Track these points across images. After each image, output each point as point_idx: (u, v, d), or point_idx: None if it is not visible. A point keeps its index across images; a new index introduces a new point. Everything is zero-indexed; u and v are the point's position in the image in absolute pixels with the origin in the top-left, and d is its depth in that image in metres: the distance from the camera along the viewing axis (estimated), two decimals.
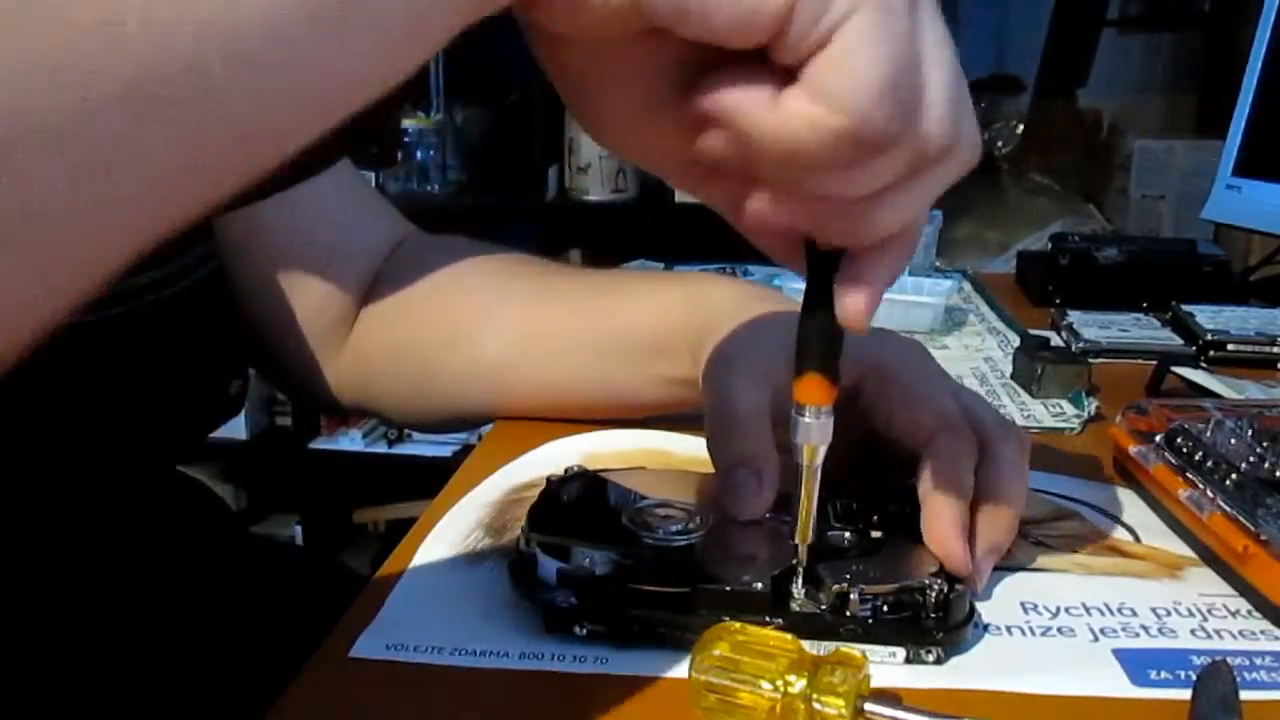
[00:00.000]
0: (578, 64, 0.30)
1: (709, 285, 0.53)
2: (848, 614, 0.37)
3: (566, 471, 0.46)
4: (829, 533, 0.41)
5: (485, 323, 0.57)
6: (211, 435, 0.57)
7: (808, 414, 0.36)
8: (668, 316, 0.52)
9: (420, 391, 0.60)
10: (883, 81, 0.27)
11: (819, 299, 0.34)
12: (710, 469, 0.47)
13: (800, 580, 0.38)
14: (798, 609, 0.37)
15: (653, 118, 0.31)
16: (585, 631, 0.37)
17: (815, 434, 0.36)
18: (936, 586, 0.37)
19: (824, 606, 0.37)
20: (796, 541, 0.38)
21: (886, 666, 0.36)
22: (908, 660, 0.37)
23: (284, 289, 0.57)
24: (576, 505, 0.44)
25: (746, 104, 0.29)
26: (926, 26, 0.29)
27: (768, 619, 0.36)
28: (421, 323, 0.59)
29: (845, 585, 0.37)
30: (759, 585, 0.37)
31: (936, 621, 0.37)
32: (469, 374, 0.58)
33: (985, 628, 0.39)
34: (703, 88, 0.29)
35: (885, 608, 0.37)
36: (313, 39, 0.24)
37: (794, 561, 0.38)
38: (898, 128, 0.28)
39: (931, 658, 0.37)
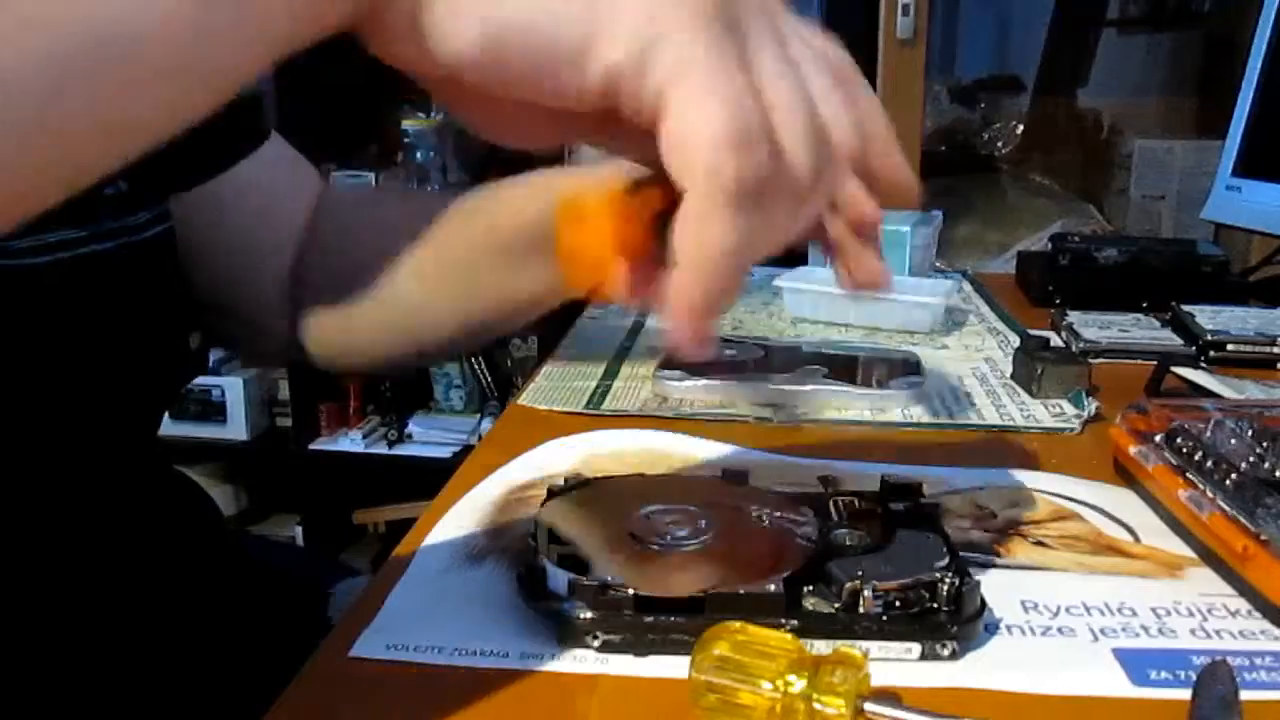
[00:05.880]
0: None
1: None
2: (861, 612, 0.37)
3: (566, 480, 0.46)
4: (836, 531, 0.41)
5: (398, 271, 0.59)
6: (211, 436, 0.58)
7: None
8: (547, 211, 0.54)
9: (349, 343, 0.63)
10: (724, 136, 0.27)
11: None
12: (708, 471, 0.47)
13: None
14: (811, 609, 0.37)
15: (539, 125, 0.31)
16: (600, 642, 0.37)
17: None
18: (948, 580, 0.37)
19: (837, 605, 0.37)
20: None
21: (890, 665, 0.36)
22: (923, 656, 0.36)
23: (230, 250, 0.59)
24: (580, 514, 0.44)
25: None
26: (763, 57, 0.28)
27: (782, 621, 0.36)
28: (342, 272, 0.61)
29: (858, 583, 0.37)
30: (772, 587, 0.37)
31: (950, 615, 0.37)
32: (389, 323, 0.61)
33: (997, 625, 0.39)
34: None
35: (898, 604, 0.37)
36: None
37: None
38: (755, 173, 0.27)
39: (947, 652, 0.36)
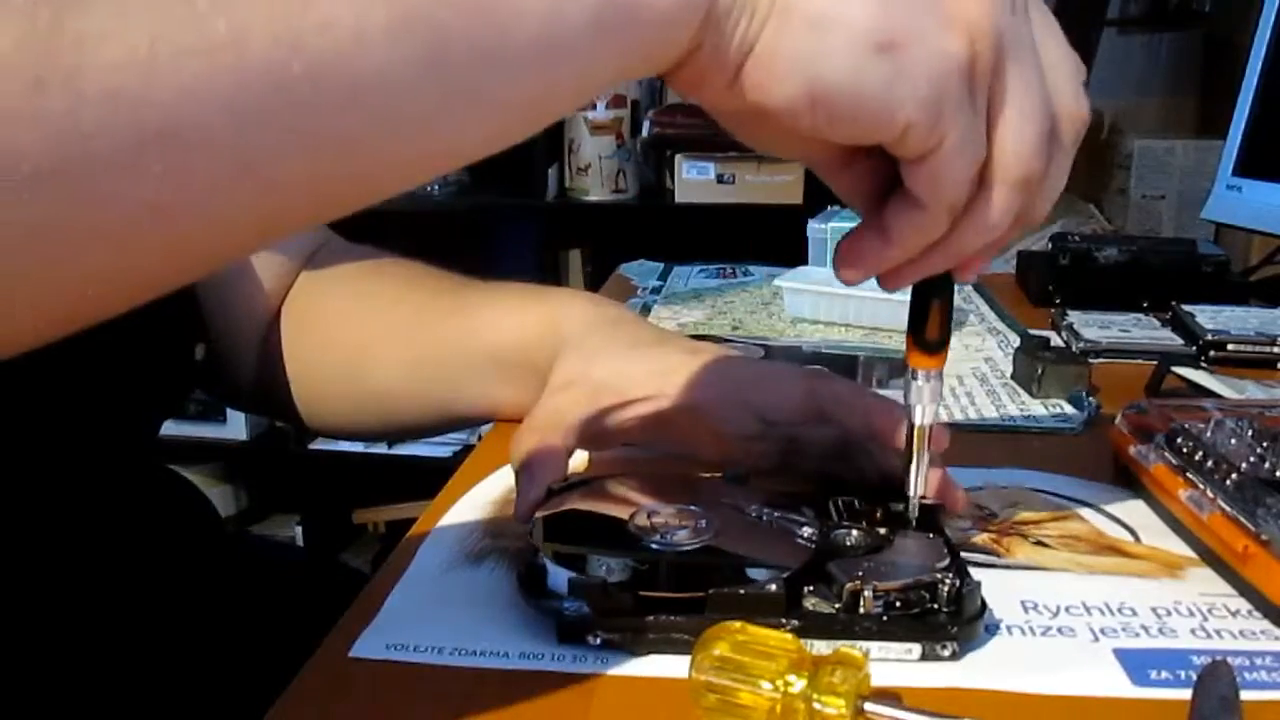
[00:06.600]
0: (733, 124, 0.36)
1: (564, 307, 0.56)
2: (861, 612, 0.37)
3: (567, 480, 0.46)
4: (836, 531, 0.41)
5: (372, 356, 0.60)
6: (211, 436, 0.58)
7: (919, 378, 0.41)
8: (525, 336, 0.56)
9: (316, 413, 0.64)
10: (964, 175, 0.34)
11: (926, 285, 0.39)
12: (707, 471, 0.47)
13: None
14: (811, 609, 0.37)
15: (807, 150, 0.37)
16: (599, 641, 0.37)
17: (926, 395, 0.41)
18: (948, 580, 0.37)
19: (838, 606, 0.37)
20: (910, 493, 0.42)
21: (890, 665, 0.36)
22: (923, 656, 0.36)
23: (214, 280, 0.59)
24: (580, 513, 0.44)
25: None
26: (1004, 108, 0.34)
27: (783, 621, 0.36)
28: (320, 346, 0.62)
29: (858, 583, 0.37)
30: (772, 587, 0.37)
31: (950, 616, 0.37)
32: (359, 403, 0.62)
33: (997, 626, 0.39)
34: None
35: (898, 604, 0.37)
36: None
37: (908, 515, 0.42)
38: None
39: (947, 653, 0.36)
